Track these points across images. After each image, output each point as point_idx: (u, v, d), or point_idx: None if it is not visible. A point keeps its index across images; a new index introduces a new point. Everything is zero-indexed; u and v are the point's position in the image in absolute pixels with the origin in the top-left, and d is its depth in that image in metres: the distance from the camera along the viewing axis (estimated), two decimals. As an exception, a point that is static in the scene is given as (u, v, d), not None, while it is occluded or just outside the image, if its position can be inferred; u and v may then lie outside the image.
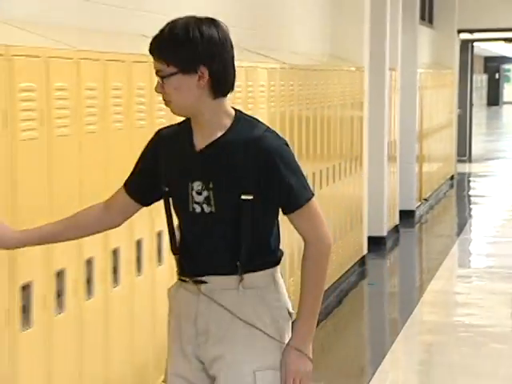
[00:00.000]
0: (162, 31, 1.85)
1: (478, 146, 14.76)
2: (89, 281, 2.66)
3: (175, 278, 2.04)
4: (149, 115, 2.88)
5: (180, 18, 1.86)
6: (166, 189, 1.95)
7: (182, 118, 1.96)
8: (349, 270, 5.84)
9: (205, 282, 1.81)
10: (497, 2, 11.27)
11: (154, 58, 1.85)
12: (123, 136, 2.74)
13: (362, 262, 6.34)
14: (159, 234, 3.09)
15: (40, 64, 2.27)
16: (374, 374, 3.95)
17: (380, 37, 6.51)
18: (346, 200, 5.75)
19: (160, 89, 1.85)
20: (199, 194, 1.92)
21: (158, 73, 1.85)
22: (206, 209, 1.90)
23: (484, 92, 23.43)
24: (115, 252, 2.88)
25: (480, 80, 22.17)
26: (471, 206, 10.26)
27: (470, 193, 11.22)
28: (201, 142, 1.90)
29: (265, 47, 4.63)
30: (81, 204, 2.29)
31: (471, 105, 13.70)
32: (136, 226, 2.84)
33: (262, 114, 4.00)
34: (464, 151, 12.71)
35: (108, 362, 2.79)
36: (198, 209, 1.91)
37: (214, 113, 1.87)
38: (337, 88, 5.16)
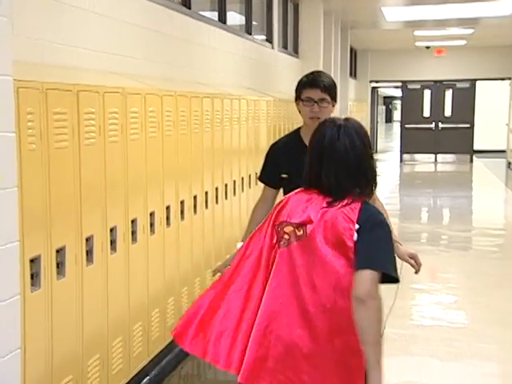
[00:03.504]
0: (325, 77, 2.93)
1: (380, 144, 23.20)
2: (112, 242, 3.29)
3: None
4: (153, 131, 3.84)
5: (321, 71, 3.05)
6: (286, 176, 2.91)
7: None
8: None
9: None
10: (390, 67, 18.38)
11: (321, 92, 2.86)
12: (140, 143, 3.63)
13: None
14: (168, 207, 4.00)
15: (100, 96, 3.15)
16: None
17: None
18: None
19: (318, 109, 2.87)
20: None
21: (321, 101, 2.87)
22: None
23: (383, 115, 36.89)
24: (133, 221, 3.54)
25: (381, 109, 34.72)
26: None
27: (376, 170, 17.67)
28: None
29: (267, 89, 7.57)
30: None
31: (377, 122, 22.72)
32: (150, 204, 3.75)
33: (264, 126, 6.26)
34: (373, 147, 20.29)
35: (129, 290, 3.49)
36: None
37: None
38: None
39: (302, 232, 2.02)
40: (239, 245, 2.27)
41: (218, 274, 3.15)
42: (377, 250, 1.96)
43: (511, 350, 4.51)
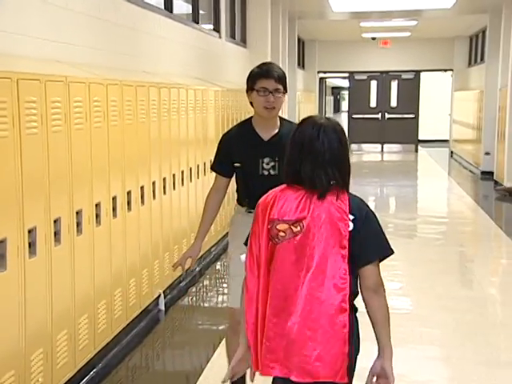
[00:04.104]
0: (277, 68, 3.00)
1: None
2: (56, 234, 3.22)
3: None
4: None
5: (272, 62, 3.14)
6: (239, 165, 2.99)
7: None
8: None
9: None
10: (338, 57, 18.60)
11: (275, 82, 2.94)
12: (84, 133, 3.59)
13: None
14: (114, 198, 3.98)
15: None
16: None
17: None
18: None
19: (273, 99, 2.94)
20: (267, 164, 2.91)
21: (275, 91, 2.94)
22: (272, 172, 2.92)
23: (331, 105, 36.16)
24: (78, 212, 3.48)
25: (329, 99, 34.13)
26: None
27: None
28: (265, 135, 3.01)
29: (214, 79, 7.42)
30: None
31: (325, 112, 22.99)
32: (95, 195, 3.77)
33: (212, 115, 6.29)
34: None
35: (75, 282, 3.47)
36: (265, 173, 2.93)
37: (277, 117, 3.04)
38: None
39: (298, 228, 2.12)
40: (243, 257, 2.26)
41: (179, 267, 3.17)
42: (376, 242, 2.20)
43: (453, 334, 4.64)
